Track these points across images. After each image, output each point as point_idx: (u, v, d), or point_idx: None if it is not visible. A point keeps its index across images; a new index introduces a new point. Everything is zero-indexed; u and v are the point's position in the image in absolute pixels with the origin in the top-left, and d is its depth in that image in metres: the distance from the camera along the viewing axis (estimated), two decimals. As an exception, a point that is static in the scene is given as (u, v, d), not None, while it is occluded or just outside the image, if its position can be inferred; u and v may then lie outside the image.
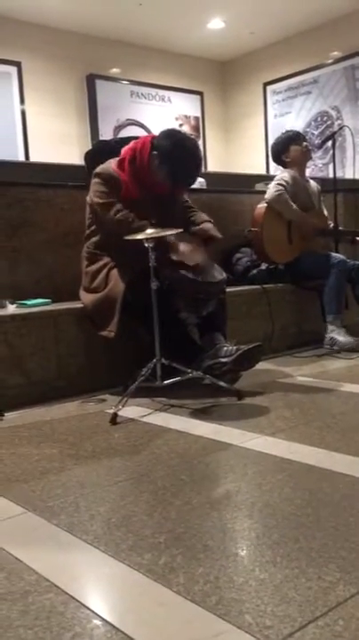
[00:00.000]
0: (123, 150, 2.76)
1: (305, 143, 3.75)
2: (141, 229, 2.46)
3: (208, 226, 2.85)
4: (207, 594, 1.11)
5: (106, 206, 2.67)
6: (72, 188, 3.17)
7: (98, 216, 2.73)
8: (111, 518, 1.46)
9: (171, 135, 2.71)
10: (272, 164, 3.93)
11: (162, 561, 1.24)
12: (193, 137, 2.91)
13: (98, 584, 1.21)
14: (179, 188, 2.79)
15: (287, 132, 3.85)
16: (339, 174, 5.42)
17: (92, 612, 1.09)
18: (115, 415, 2.27)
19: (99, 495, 1.60)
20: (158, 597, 1.12)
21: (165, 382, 2.45)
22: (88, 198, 2.78)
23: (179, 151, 2.63)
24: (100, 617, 1.07)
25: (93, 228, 2.80)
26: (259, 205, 3.59)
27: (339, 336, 3.38)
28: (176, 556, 1.26)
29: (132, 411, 2.39)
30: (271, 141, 4.11)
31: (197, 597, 1.11)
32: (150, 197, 2.69)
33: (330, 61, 7.75)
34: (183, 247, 2.60)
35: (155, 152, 2.66)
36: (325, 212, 3.82)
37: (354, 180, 4.88)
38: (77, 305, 2.81)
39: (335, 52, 7.69)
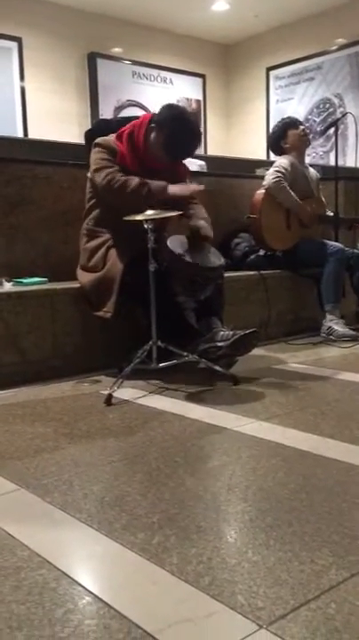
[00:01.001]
0: (125, 126, 2.74)
1: (302, 127, 3.72)
2: (127, 184, 2.55)
3: (201, 223, 2.74)
4: (200, 574, 1.12)
5: (98, 170, 2.67)
6: (72, 166, 3.14)
7: (94, 184, 2.72)
8: (105, 497, 1.46)
9: (170, 107, 2.73)
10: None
11: (155, 540, 1.24)
12: (193, 112, 2.89)
13: (90, 561, 1.21)
14: (175, 160, 2.75)
15: (283, 119, 3.82)
16: (340, 162, 5.39)
17: (85, 588, 1.09)
18: (109, 396, 2.27)
19: (92, 474, 1.60)
20: (151, 576, 1.12)
21: (161, 365, 2.44)
22: (88, 173, 2.76)
23: (177, 123, 2.63)
24: (93, 594, 1.07)
25: (93, 202, 2.78)
26: (258, 192, 3.57)
27: (338, 326, 3.37)
28: (169, 536, 1.26)
29: (127, 392, 2.39)
30: (272, 127, 4.07)
31: (190, 577, 1.11)
32: (146, 171, 2.66)
33: (334, 48, 7.67)
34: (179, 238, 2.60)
35: (152, 125, 2.65)
36: (323, 200, 3.80)
37: (355, 169, 4.85)
38: (74, 284, 2.79)
39: (339, 39, 7.62)
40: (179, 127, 2.62)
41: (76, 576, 1.13)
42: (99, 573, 1.17)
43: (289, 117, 3.83)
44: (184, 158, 2.81)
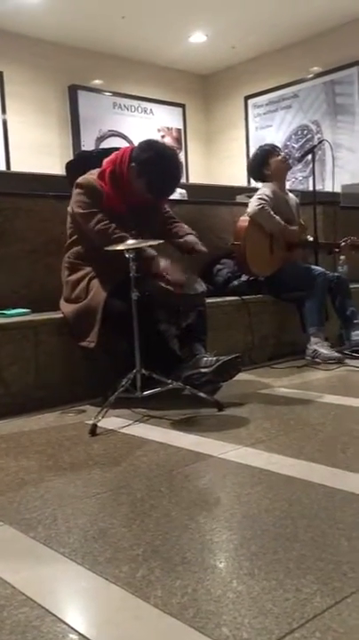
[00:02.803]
0: (105, 162, 2.75)
1: (282, 153, 3.79)
2: (121, 241, 2.47)
3: (192, 239, 2.83)
4: (185, 606, 1.11)
5: (87, 216, 2.66)
6: (53, 198, 3.16)
7: (79, 226, 2.73)
8: (89, 531, 1.44)
9: (149, 146, 2.69)
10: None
11: (139, 573, 1.23)
12: (172, 148, 2.90)
13: (74, 598, 1.20)
14: (159, 200, 2.79)
15: (261, 146, 3.87)
16: (319, 187, 5.48)
17: (69, 626, 1.08)
18: (94, 426, 2.26)
19: (76, 507, 1.59)
20: (135, 611, 1.11)
21: (145, 393, 2.44)
22: (69, 208, 2.78)
23: (157, 162, 2.62)
24: (77, 631, 1.06)
25: (74, 237, 2.80)
26: (242, 218, 3.61)
27: (323, 349, 3.40)
28: (154, 568, 1.25)
29: (112, 422, 2.38)
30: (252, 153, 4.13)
31: (175, 610, 1.10)
32: (131, 209, 2.69)
33: (310, 76, 7.87)
34: (164, 263, 2.60)
35: (133, 164, 2.66)
36: (304, 224, 3.86)
37: (333, 194, 4.94)
38: (57, 315, 2.79)
39: (315, 68, 7.82)
40: (160, 171, 2.61)
41: (60, 613, 1.12)
42: (83, 610, 1.16)
43: (268, 144, 3.89)
44: (168, 196, 2.83)
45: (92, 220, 2.64)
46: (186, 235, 2.84)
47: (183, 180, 8.08)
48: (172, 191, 2.81)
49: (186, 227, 2.92)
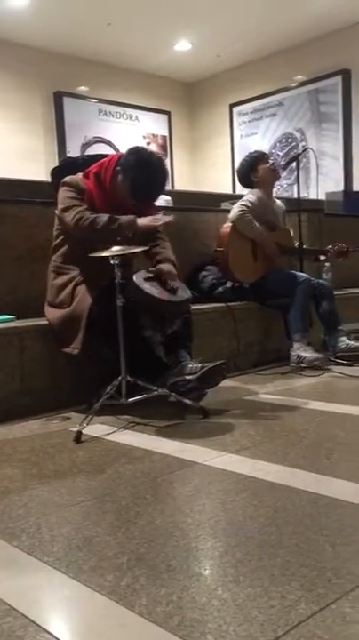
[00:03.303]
0: (92, 166, 2.78)
1: (271, 161, 3.82)
2: (96, 220, 2.56)
3: (165, 268, 2.69)
4: (169, 614, 1.10)
5: (67, 209, 2.68)
6: (39, 204, 3.16)
7: (63, 223, 2.73)
8: (73, 539, 1.44)
9: (135, 151, 2.71)
10: (239, 184, 3.99)
11: (124, 582, 1.23)
12: (158, 155, 2.90)
13: (58, 607, 1.19)
14: (142, 205, 2.78)
15: (251, 153, 3.89)
16: (304, 194, 5.53)
17: (52, 635, 1.07)
18: (79, 433, 2.25)
19: (61, 516, 1.58)
20: (120, 619, 1.10)
21: (130, 400, 2.44)
22: (56, 210, 2.78)
23: (141, 168, 2.63)
24: (60, 641, 1.05)
25: (61, 238, 2.79)
26: (225, 225, 3.63)
27: (307, 353, 3.42)
28: (139, 576, 1.25)
29: (97, 429, 2.37)
30: (237, 161, 4.17)
31: (159, 618, 1.09)
32: (114, 211, 2.69)
33: (294, 85, 7.94)
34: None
35: (118, 168, 2.67)
36: (291, 232, 3.89)
37: (317, 201, 4.98)
38: (42, 322, 2.78)
39: (299, 76, 7.90)
40: (144, 175, 2.62)
41: (44, 623, 1.11)
42: (67, 619, 1.15)
43: (257, 151, 3.90)
44: (150, 203, 2.83)
45: (71, 212, 2.65)
46: (163, 261, 2.76)
47: (168, 187, 8.09)
48: (155, 198, 2.81)
49: (168, 252, 2.84)
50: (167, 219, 2.74)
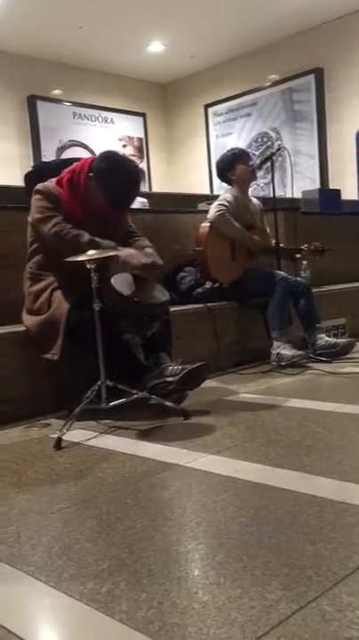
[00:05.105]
0: (64, 171, 2.75)
1: (251, 162, 3.83)
2: (76, 239, 2.52)
3: (148, 252, 2.72)
4: (150, 620, 1.10)
5: (43, 220, 2.65)
6: (12, 209, 3.13)
7: (38, 233, 2.71)
8: (53, 547, 1.42)
9: (107, 157, 2.68)
10: (216, 183, 4.00)
11: (104, 589, 1.22)
12: (132, 160, 2.89)
13: (38, 617, 1.18)
14: (117, 211, 2.76)
15: (233, 149, 3.91)
16: (281, 193, 5.56)
17: (32, 646, 1.06)
18: (59, 440, 2.23)
19: (41, 524, 1.57)
20: (100, 627, 1.10)
21: (111, 404, 2.43)
22: (29, 217, 2.76)
23: (115, 173, 2.62)
24: (40, 652, 1.04)
25: (35, 246, 2.77)
26: (203, 225, 3.63)
27: (286, 351, 3.43)
28: (119, 582, 1.24)
29: (77, 434, 2.35)
30: (214, 161, 4.18)
31: (140, 624, 1.09)
32: (91, 218, 2.68)
33: (268, 84, 7.98)
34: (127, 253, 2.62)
35: (91, 174, 2.65)
36: (267, 230, 3.90)
37: (293, 199, 5.01)
38: (19, 328, 2.75)
39: (272, 76, 7.94)
40: (118, 181, 2.61)
41: (23, 633, 1.10)
42: (48, 629, 1.14)
43: (238, 149, 3.92)
44: (125, 208, 2.81)
45: (49, 223, 2.62)
46: (143, 248, 2.77)
47: (145, 189, 8.09)
48: (130, 203, 2.78)
49: (146, 242, 2.86)
50: (144, 260, 2.64)
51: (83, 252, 2.47)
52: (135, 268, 2.62)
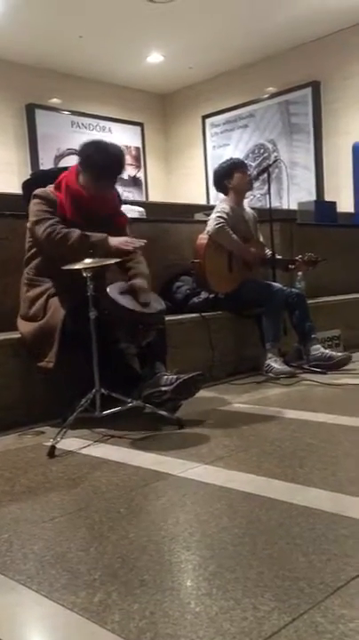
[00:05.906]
0: (60, 176, 2.79)
1: (248, 172, 3.86)
2: (67, 237, 2.56)
3: (138, 283, 2.68)
4: (142, 630, 1.10)
5: (39, 222, 2.68)
6: (10, 217, 3.14)
7: (34, 236, 2.72)
8: (45, 556, 1.42)
9: (91, 141, 2.78)
10: (212, 193, 4.03)
11: (97, 599, 1.22)
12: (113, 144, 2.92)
13: (30, 627, 1.17)
14: (105, 185, 2.75)
15: (231, 158, 3.94)
16: (277, 204, 5.59)
17: (23, 656, 1.05)
18: (52, 448, 2.23)
19: (33, 532, 1.56)
20: (91, 637, 1.09)
21: (105, 412, 2.42)
22: (29, 223, 2.77)
23: (98, 149, 2.68)
24: (31, 661, 1.03)
25: (33, 251, 2.78)
26: (201, 236, 3.64)
27: (276, 364, 3.44)
28: (111, 592, 1.24)
29: (71, 443, 2.35)
30: (211, 172, 4.21)
31: (132, 635, 1.08)
32: (88, 221, 2.69)
33: (265, 96, 8.04)
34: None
35: (79, 162, 2.71)
36: (261, 239, 3.92)
37: (289, 211, 5.04)
38: (14, 335, 2.75)
39: (270, 88, 8.00)
40: (101, 154, 2.67)
41: (14, 643, 1.09)
42: (39, 638, 1.13)
43: (238, 158, 3.95)
44: (114, 180, 2.81)
45: (43, 225, 2.65)
46: (136, 276, 2.74)
47: (142, 199, 8.12)
48: (117, 173, 2.78)
49: (142, 267, 2.82)
50: (138, 243, 2.72)
51: (75, 249, 2.51)
52: (124, 253, 2.67)
